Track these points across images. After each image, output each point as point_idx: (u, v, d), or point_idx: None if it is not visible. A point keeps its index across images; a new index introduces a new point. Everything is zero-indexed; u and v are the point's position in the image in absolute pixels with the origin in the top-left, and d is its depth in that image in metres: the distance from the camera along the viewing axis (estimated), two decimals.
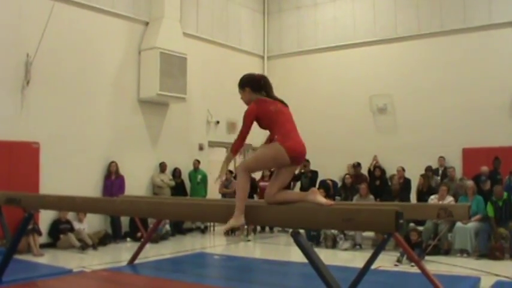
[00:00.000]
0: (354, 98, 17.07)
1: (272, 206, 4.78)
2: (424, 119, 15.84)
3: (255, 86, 5.27)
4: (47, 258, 11.12)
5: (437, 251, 11.55)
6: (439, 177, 14.57)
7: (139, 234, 12.95)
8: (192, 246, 13.62)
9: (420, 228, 11.80)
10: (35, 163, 12.15)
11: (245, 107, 5.15)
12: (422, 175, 14.04)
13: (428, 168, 14.65)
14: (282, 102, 5.24)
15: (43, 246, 11.95)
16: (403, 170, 14.45)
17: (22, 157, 11.89)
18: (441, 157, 15.13)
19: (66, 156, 12.82)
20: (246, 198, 4.95)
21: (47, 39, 12.20)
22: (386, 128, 16.70)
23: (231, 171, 16.29)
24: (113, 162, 13.77)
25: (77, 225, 12.59)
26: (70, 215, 12.64)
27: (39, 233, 11.74)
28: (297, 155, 4.90)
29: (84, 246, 12.05)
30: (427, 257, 10.65)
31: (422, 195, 13.42)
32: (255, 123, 5.08)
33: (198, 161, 15.70)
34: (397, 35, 16.66)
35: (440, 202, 11.64)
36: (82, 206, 6.96)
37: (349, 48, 17.57)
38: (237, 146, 5.01)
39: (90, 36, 13.68)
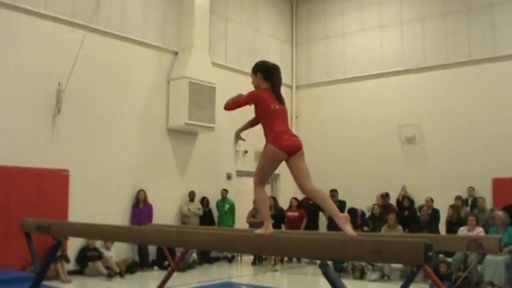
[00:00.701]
0: (382, 128, 17.01)
1: (299, 238, 4.77)
2: (453, 148, 15.68)
3: (266, 73, 5.48)
4: (75, 285, 11.19)
5: (467, 283, 11.35)
6: (468, 208, 14.37)
7: (166, 262, 12.96)
8: (219, 276, 13.58)
9: (449, 259, 11.65)
10: (64, 190, 12.25)
11: None
12: (451, 205, 13.88)
13: (458, 199, 14.48)
14: (282, 101, 5.42)
15: (71, 273, 12.03)
16: (432, 200, 14.32)
17: (52, 184, 12.01)
18: (470, 187, 14.93)
19: (95, 184, 12.94)
20: (268, 208, 5.40)
21: (78, 69, 12.40)
22: (415, 158, 16.57)
23: None
24: (141, 190, 13.84)
25: (104, 253, 12.64)
26: (98, 242, 12.69)
27: (67, 260, 11.82)
28: (291, 148, 5.13)
29: (111, 274, 12.08)
30: None
31: (452, 226, 13.25)
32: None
33: (226, 190, 15.71)
34: (425, 65, 16.62)
35: (470, 233, 11.48)
36: (111, 234, 6.99)
37: (378, 78, 17.56)
38: (230, 105, 5.59)
39: (120, 65, 13.87)
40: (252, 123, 5.66)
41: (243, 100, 5.50)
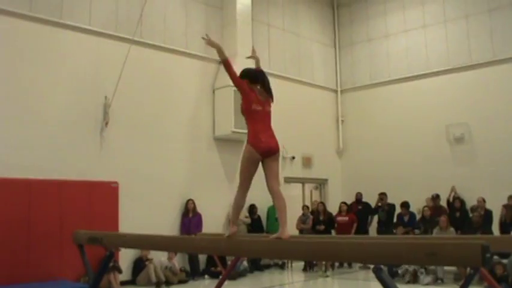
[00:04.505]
0: (430, 128, 16.77)
1: (352, 242, 4.72)
2: (504, 147, 15.31)
3: (252, 77, 6.01)
4: None
5: None
6: None
7: (218, 268, 12.95)
8: (270, 283, 13.55)
9: (504, 261, 11.40)
10: (114, 202, 12.38)
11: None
12: (505, 205, 13.59)
13: None
14: (266, 100, 5.90)
15: (123, 283, 12.15)
16: (484, 200, 14.04)
17: (102, 196, 12.15)
18: None
19: (144, 195, 13.05)
20: (239, 212, 6.07)
21: (123, 81, 12.55)
22: (465, 158, 16.27)
23: (307, 207, 16.21)
24: (190, 200, 13.91)
25: (163, 262, 12.84)
26: (161, 254, 12.79)
27: (120, 271, 11.93)
28: (267, 151, 5.67)
29: (160, 283, 12.27)
30: None
31: (506, 227, 12.99)
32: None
33: None
34: (471, 63, 16.32)
35: None
36: (162, 244, 7.03)
37: (423, 78, 17.34)
38: (229, 65, 5.97)
39: (165, 76, 14.00)
40: (219, 51, 5.99)
41: (236, 79, 5.96)
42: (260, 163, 5.76)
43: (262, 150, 5.62)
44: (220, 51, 5.94)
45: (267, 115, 5.87)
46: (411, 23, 17.85)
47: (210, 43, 6.15)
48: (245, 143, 5.87)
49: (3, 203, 10.57)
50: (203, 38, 6.27)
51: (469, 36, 16.49)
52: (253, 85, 5.95)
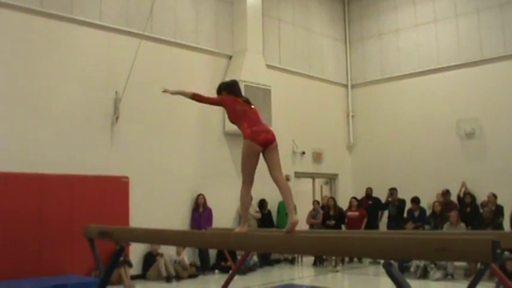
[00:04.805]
0: (441, 124, 16.70)
1: (362, 237, 4.71)
2: None
3: (228, 89, 6.26)
4: None
5: None
6: None
7: (228, 263, 12.98)
8: (280, 278, 13.55)
9: None
10: (124, 197, 12.43)
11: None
12: None
13: None
14: (248, 102, 6.14)
15: (134, 277, 12.19)
16: (495, 196, 13.99)
17: (112, 191, 12.20)
18: None
19: (154, 190, 13.09)
20: (248, 208, 6.09)
21: (134, 77, 12.58)
22: (475, 153, 16.21)
23: (317, 202, 16.20)
24: (200, 195, 13.94)
25: (172, 256, 12.90)
26: (170, 247, 12.83)
27: (130, 265, 11.96)
28: (265, 141, 5.74)
29: (170, 277, 12.32)
30: None
31: None
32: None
33: None
34: (482, 57, 16.24)
35: None
36: (172, 238, 7.04)
37: (434, 73, 17.27)
38: (199, 97, 6.19)
39: (175, 71, 14.00)
40: (183, 94, 6.41)
41: (214, 98, 6.28)
42: (262, 158, 5.83)
43: (260, 141, 5.71)
44: (184, 94, 6.38)
45: (255, 112, 6.05)
46: (422, 17, 17.77)
47: (170, 92, 6.75)
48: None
49: (14, 198, 10.64)
50: (163, 92, 6.71)
51: (480, 30, 16.40)
52: (230, 94, 6.18)
